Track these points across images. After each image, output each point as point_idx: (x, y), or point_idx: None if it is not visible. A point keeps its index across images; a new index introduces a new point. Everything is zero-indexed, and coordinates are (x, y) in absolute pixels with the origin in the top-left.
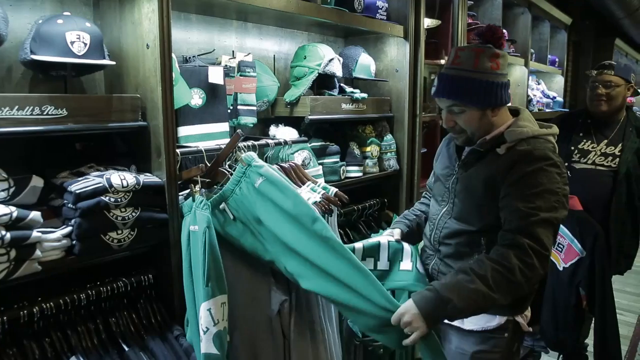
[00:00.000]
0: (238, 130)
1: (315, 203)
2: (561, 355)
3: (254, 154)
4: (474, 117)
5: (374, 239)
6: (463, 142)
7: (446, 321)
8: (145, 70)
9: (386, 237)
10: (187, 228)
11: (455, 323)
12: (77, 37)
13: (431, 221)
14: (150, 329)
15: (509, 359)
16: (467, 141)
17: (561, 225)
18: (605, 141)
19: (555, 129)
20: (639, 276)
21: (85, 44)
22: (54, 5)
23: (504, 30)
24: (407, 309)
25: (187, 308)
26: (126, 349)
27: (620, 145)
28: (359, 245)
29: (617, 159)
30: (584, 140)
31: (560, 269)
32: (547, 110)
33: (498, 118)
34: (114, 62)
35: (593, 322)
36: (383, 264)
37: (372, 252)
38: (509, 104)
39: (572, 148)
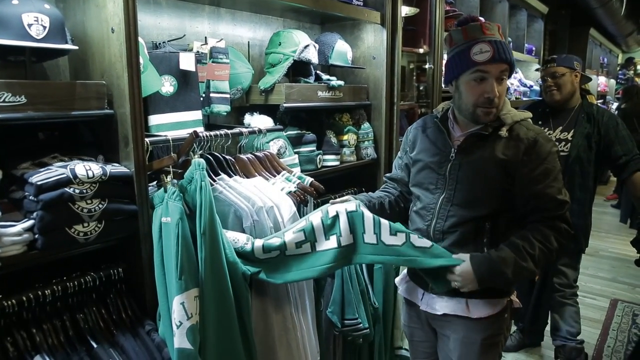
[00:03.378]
0: (193, 131)
1: (290, 193)
2: (518, 330)
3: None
4: (505, 88)
5: (330, 210)
6: (491, 119)
7: (451, 311)
8: (110, 55)
9: (343, 205)
10: (158, 220)
11: (463, 313)
12: (34, 20)
13: (427, 211)
14: (121, 324)
15: (506, 337)
16: (493, 118)
17: None
18: (560, 127)
19: (530, 114)
20: (612, 261)
21: (45, 27)
22: None
23: (481, 19)
24: (464, 270)
25: (159, 302)
26: (95, 345)
27: (572, 130)
28: (317, 221)
29: (569, 143)
30: (543, 128)
31: None
32: (524, 98)
33: None
34: (76, 47)
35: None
36: (346, 239)
37: (334, 228)
38: None
39: None
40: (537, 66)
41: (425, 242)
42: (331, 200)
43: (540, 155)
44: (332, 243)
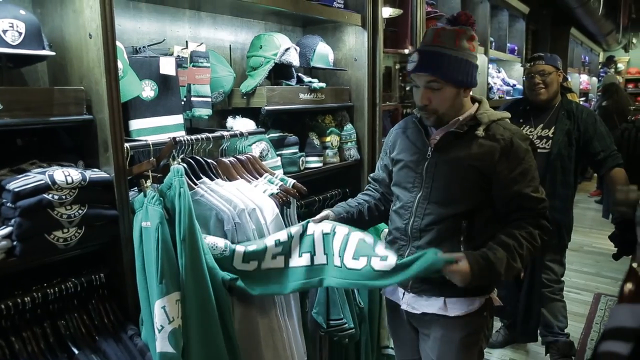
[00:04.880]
0: (172, 137)
1: (272, 195)
2: (504, 326)
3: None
4: (450, 95)
5: (309, 228)
6: (433, 122)
7: (429, 310)
8: (89, 61)
9: (320, 226)
10: (139, 224)
11: (439, 312)
12: (9, 26)
13: (405, 209)
14: (103, 329)
15: (487, 335)
16: (437, 121)
17: None
18: (541, 125)
19: (508, 114)
20: (595, 256)
21: (20, 33)
22: None
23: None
24: (461, 267)
25: (141, 307)
26: (76, 352)
27: (553, 127)
28: (295, 236)
29: (550, 140)
30: (524, 126)
31: None
32: (508, 97)
33: (467, 100)
34: (53, 53)
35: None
36: (319, 258)
37: (308, 246)
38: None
39: None
40: (520, 65)
41: (388, 265)
42: (312, 219)
43: (518, 156)
44: (303, 260)
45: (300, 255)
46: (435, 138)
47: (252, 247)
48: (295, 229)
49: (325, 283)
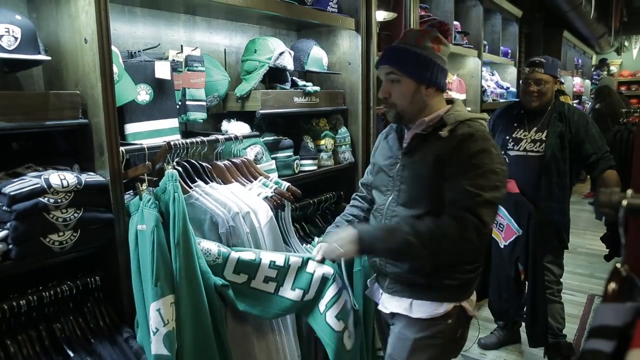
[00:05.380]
0: (167, 142)
1: (267, 198)
2: (499, 328)
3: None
4: (409, 90)
5: (309, 266)
6: (393, 117)
7: (396, 310)
8: (84, 65)
9: (322, 268)
10: (134, 227)
11: (404, 312)
12: (5, 31)
13: (378, 212)
14: (99, 332)
15: (453, 344)
16: (397, 118)
17: (500, 207)
18: (535, 128)
19: (485, 115)
20: (589, 258)
21: (16, 38)
22: None
23: (457, 23)
24: (348, 231)
25: (137, 309)
26: (72, 354)
27: (546, 131)
28: (293, 267)
29: (544, 143)
30: (518, 129)
31: (502, 246)
32: (502, 100)
33: (435, 102)
34: (48, 58)
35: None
36: (311, 296)
37: (303, 283)
38: (448, 96)
39: (507, 137)
40: (514, 68)
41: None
42: (314, 257)
43: (470, 150)
44: (295, 294)
45: (292, 289)
46: (406, 141)
47: (246, 255)
48: (294, 259)
49: (306, 319)
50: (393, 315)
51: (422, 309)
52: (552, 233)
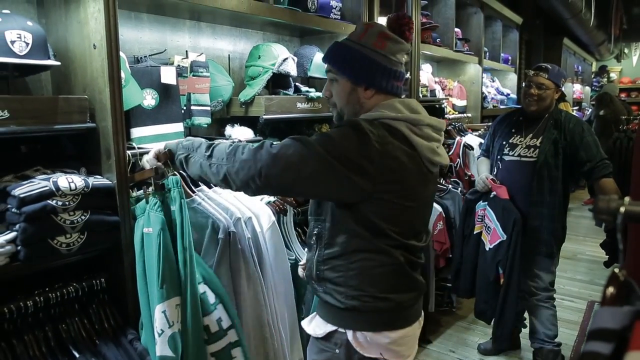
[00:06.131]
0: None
1: (269, 202)
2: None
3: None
4: (344, 90)
5: None
6: (334, 118)
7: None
8: (92, 70)
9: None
10: (140, 230)
11: (309, 329)
12: (17, 37)
13: None
14: (103, 333)
15: None
16: (338, 119)
17: (490, 211)
18: (531, 135)
19: (422, 118)
20: (589, 264)
21: (27, 44)
22: None
23: (458, 29)
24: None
25: (141, 311)
26: (77, 355)
27: (541, 137)
28: None
29: (537, 149)
30: (515, 135)
31: (487, 249)
32: (502, 106)
33: (373, 105)
34: (58, 63)
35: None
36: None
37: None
38: (402, 98)
39: (504, 142)
40: (514, 75)
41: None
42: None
43: (331, 129)
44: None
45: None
46: None
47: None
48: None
49: None
50: None
51: (313, 325)
52: (540, 239)
